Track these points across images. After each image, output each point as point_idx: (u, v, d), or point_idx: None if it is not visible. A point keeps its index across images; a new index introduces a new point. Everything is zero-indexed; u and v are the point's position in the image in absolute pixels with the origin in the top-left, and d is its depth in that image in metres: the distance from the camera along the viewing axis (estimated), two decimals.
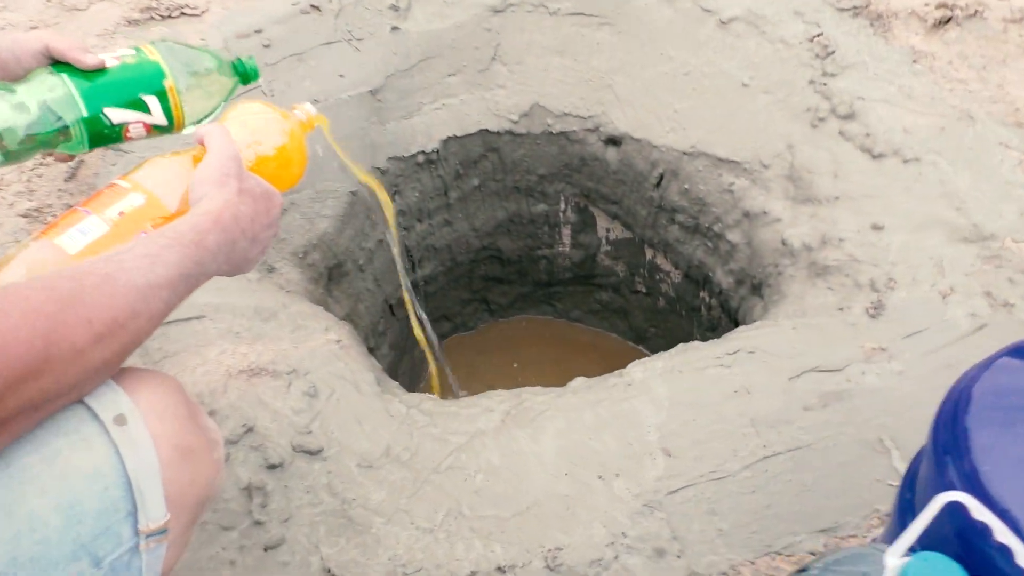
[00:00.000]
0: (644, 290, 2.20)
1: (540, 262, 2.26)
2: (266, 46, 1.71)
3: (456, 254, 2.14)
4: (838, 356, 1.27)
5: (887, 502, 1.12)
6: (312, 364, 1.31)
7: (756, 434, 1.18)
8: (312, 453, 1.17)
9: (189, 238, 0.71)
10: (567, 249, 2.21)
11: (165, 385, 0.72)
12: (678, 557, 1.07)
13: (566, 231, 2.15)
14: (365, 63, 1.76)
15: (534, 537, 1.08)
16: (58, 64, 0.88)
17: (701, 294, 2.00)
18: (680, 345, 1.39)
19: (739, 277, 1.77)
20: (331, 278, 1.76)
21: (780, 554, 1.08)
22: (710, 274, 1.88)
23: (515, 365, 2.33)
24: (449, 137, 1.82)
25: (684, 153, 1.73)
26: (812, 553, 1.08)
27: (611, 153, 1.85)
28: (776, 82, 1.71)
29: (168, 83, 0.91)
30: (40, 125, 0.84)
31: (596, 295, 2.34)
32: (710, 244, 1.83)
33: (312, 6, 1.78)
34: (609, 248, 2.15)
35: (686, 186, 1.77)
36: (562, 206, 2.07)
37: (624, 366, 2.34)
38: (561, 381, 2.30)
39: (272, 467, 1.13)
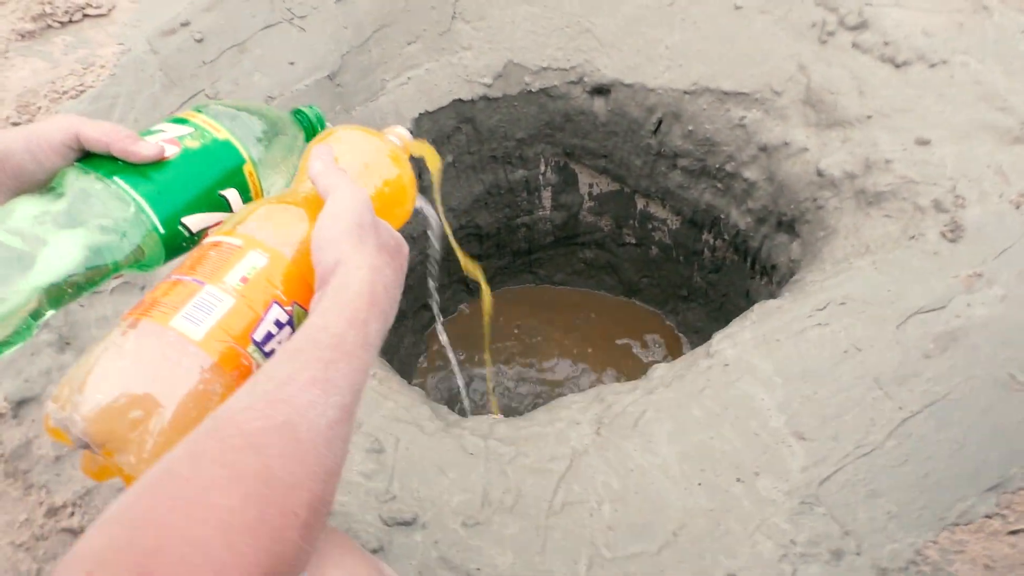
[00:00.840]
0: (634, 241, 2.07)
1: (519, 231, 2.09)
2: (199, 40, 1.44)
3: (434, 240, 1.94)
4: (937, 291, 1.17)
5: None
6: (361, 412, 1.12)
7: (886, 396, 1.07)
8: (407, 523, 0.99)
9: (353, 339, 0.51)
10: (548, 212, 2.04)
11: (341, 545, 0.53)
12: (858, 555, 0.95)
13: (547, 194, 1.98)
14: (315, 44, 1.52)
15: (699, 569, 0.94)
16: (93, 159, 0.62)
17: (704, 237, 1.88)
18: (756, 308, 1.26)
19: (760, 216, 1.65)
20: None
21: (958, 525, 0.98)
22: (721, 216, 1.75)
23: (515, 331, 2.18)
24: (421, 114, 1.61)
25: (685, 92, 1.58)
26: (988, 516, 0.98)
27: (598, 104, 1.68)
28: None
29: (248, 168, 0.67)
30: (102, 255, 0.58)
31: (580, 254, 2.20)
32: (720, 185, 1.70)
33: None
34: (592, 204, 2.00)
35: (690, 127, 1.62)
36: (542, 168, 1.89)
37: (619, 321, 2.25)
38: (564, 342, 2.18)
39: (374, 552, 0.95)
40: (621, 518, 1.00)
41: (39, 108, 1.31)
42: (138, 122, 1.35)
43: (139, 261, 0.62)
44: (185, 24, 1.44)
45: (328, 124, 0.77)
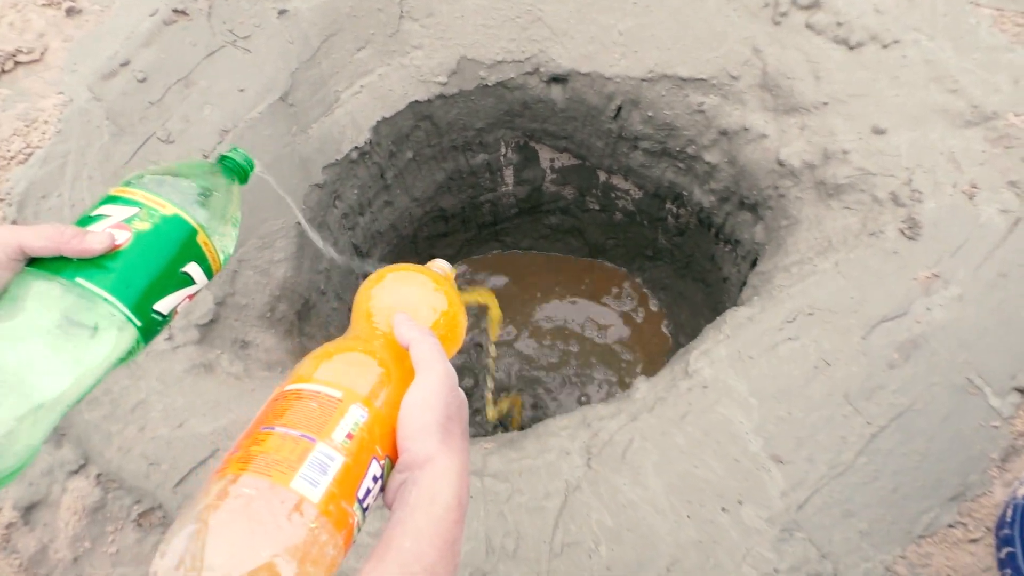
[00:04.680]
0: (598, 208, 2.09)
1: (483, 207, 2.09)
2: (141, 80, 1.38)
3: (401, 230, 1.94)
4: (898, 296, 1.23)
5: (997, 447, 1.12)
6: None
7: (855, 412, 1.14)
8: None
9: (444, 569, 0.54)
10: (511, 188, 2.04)
11: None
12: None
13: (508, 172, 1.98)
14: (262, 65, 1.47)
15: None
16: (44, 262, 0.58)
17: (668, 206, 1.91)
18: (727, 315, 1.30)
19: (723, 196, 1.68)
20: (300, 318, 1.56)
21: (924, 537, 1.07)
22: (684, 193, 1.78)
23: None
24: (379, 121, 1.59)
25: (642, 80, 1.57)
26: (951, 526, 1.08)
27: (556, 92, 1.66)
28: None
29: (201, 237, 0.65)
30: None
31: (545, 220, 2.21)
32: (682, 165, 1.71)
33: (176, 11, 1.44)
34: (555, 176, 2.00)
35: (649, 113, 1.62)
36: (503, 151, 1.88)
37: (587, 280, 2.29)
38: (532, 305, 2.24)
39: None
40: (618, 557, 1.07)
41: None
42: (92, 179, 1.31)
43: (121, 357, 0.61)
44: (125, 64, 1.38)
45: (256, 164, 0.75)
